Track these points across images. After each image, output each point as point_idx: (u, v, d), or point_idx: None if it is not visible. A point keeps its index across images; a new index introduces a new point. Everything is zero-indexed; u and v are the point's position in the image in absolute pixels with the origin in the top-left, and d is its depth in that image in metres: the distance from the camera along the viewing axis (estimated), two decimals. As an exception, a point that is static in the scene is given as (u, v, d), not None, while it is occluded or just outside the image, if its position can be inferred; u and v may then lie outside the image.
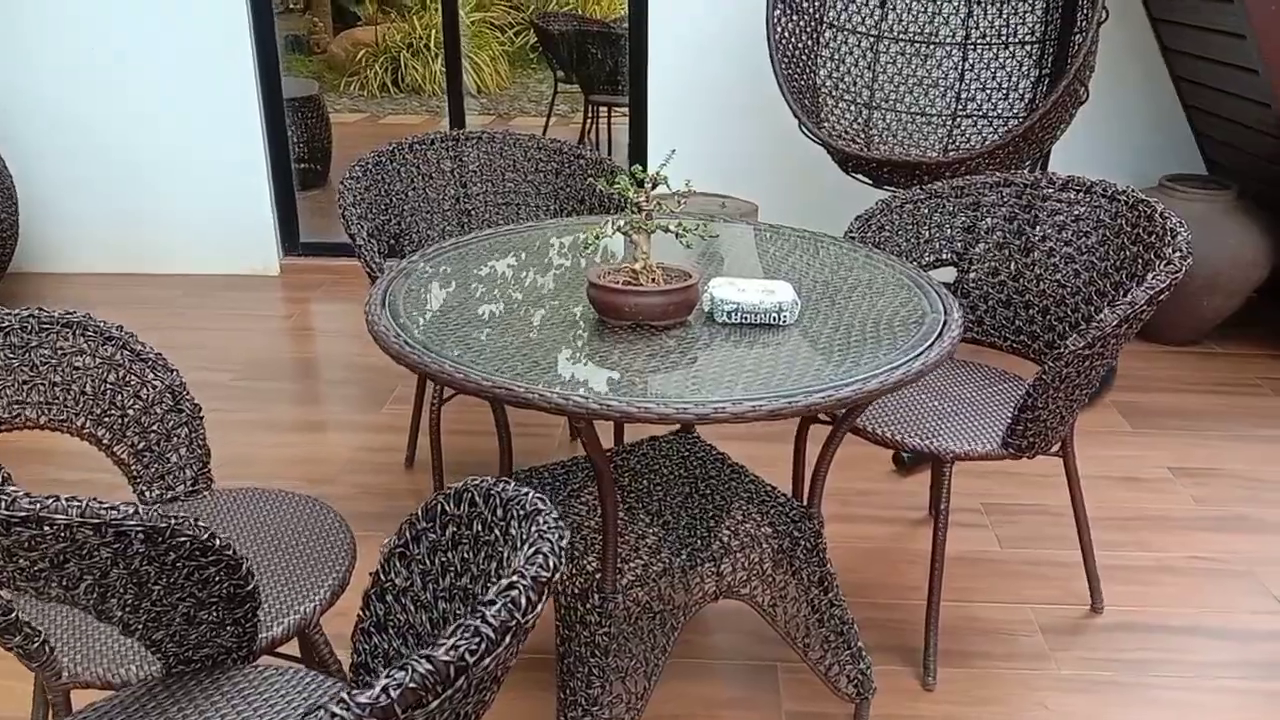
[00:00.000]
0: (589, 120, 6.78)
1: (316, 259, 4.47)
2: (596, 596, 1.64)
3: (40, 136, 4.23)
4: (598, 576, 1.66)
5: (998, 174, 2.38)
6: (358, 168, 2.51)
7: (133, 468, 1.77)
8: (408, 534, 1.28)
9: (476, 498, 1.20)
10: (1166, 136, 4.00)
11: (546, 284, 1.79)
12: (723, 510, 1.83)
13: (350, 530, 1.68)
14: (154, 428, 1.78)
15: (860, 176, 3.41)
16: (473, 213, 2.73)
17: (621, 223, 1.57)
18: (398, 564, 1.30)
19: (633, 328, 1.59)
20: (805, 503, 1.83)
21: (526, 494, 1.12)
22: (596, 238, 1.54)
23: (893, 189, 3.35)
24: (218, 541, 1.27)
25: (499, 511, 1.15)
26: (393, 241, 2.61)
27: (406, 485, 2.76)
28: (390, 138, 7.63)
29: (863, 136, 3.69)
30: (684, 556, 1.71)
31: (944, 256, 2.40)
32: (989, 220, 2.36)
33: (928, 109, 3.76)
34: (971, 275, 2.37)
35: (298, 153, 5.66)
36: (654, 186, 1.59)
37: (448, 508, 1.23)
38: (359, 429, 3.08)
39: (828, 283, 1.83)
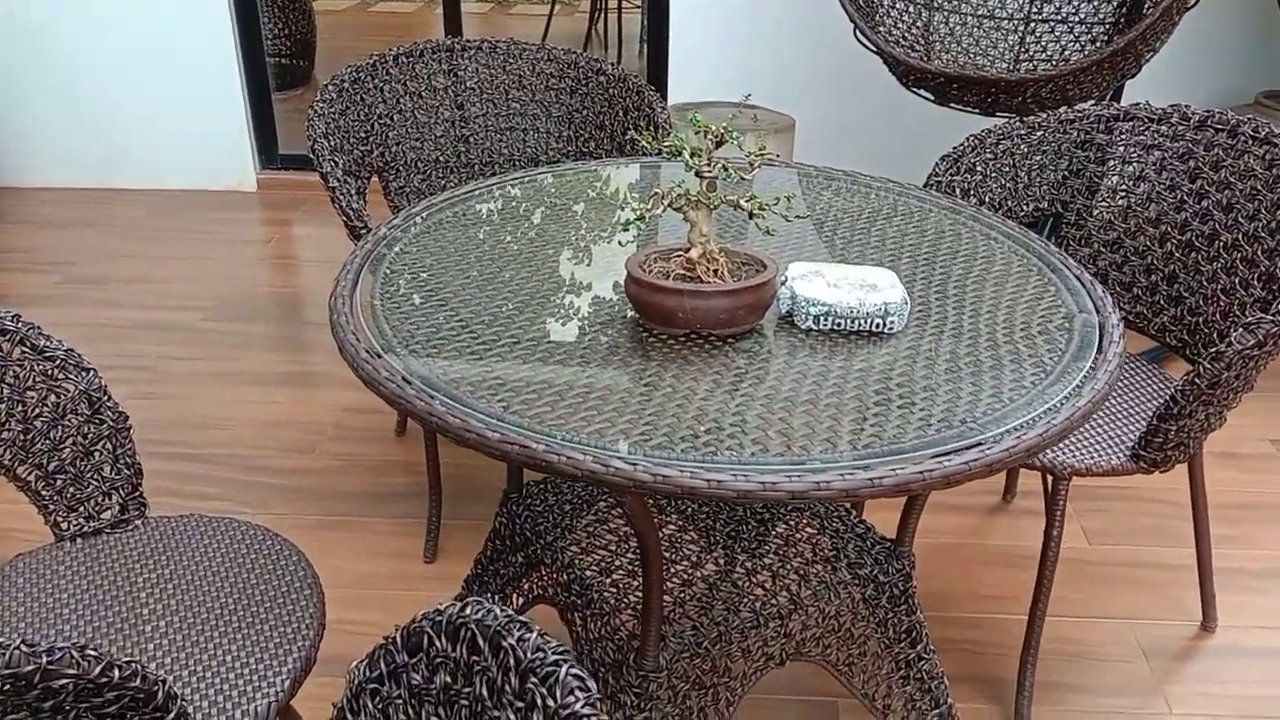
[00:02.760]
0: (598, 11, 6.20)
1: (299, 173, 3.99)
2: (633, 673, 1.28)
3: (-20, 32, 3.73)
4: (635, 644, 1.29)
5: (1116, 105, 1.94)
6: (331, 88, 2.06)
7: (41, 494, 1.39)
8: (382, 666, 0.90)
9: (480, 641, 0.82)
10: (1264, 49, 3.51)
11: (566, 266, 1.37)
12: (790, 548, 1.46)
13: (317, 581, 1.31)
14: (67, 443, 1.39)
15: (922, 92, 2.95)
16: (471, 139, 2.29)
17: (675, 196, 1.15)
18: (369, 706, 0.93)
19: (688, 337, 1.18)
20: (894, 539, 1.46)
21: (553, 660, 0.75)
22: (640, 218, 1.13)
23: (960, 107, 2.89)
24: (117, 673, 0.90)
25: (512, 679, 0.77)
26: (375, 175, 2.18)
27: (398, 457, 2.39)
28: (382, 28, 7.04)
29: (922, 43, 3.20)
30: (743, 613, 1.35)
31: (1045, 207, 1.98)
32: (1106, 164, 1.93)
33: (996, 10, 3.26)
34: (1077, 233, 1.95)
35: (276, 47, 5.13)
36: (718, 143, 1.16)
37: (438, 644, 0.85)
38: (346, 385, 2.69)
39: (930, 261, 1.42)
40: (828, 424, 1.04)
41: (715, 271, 1.18)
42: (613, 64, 2.24)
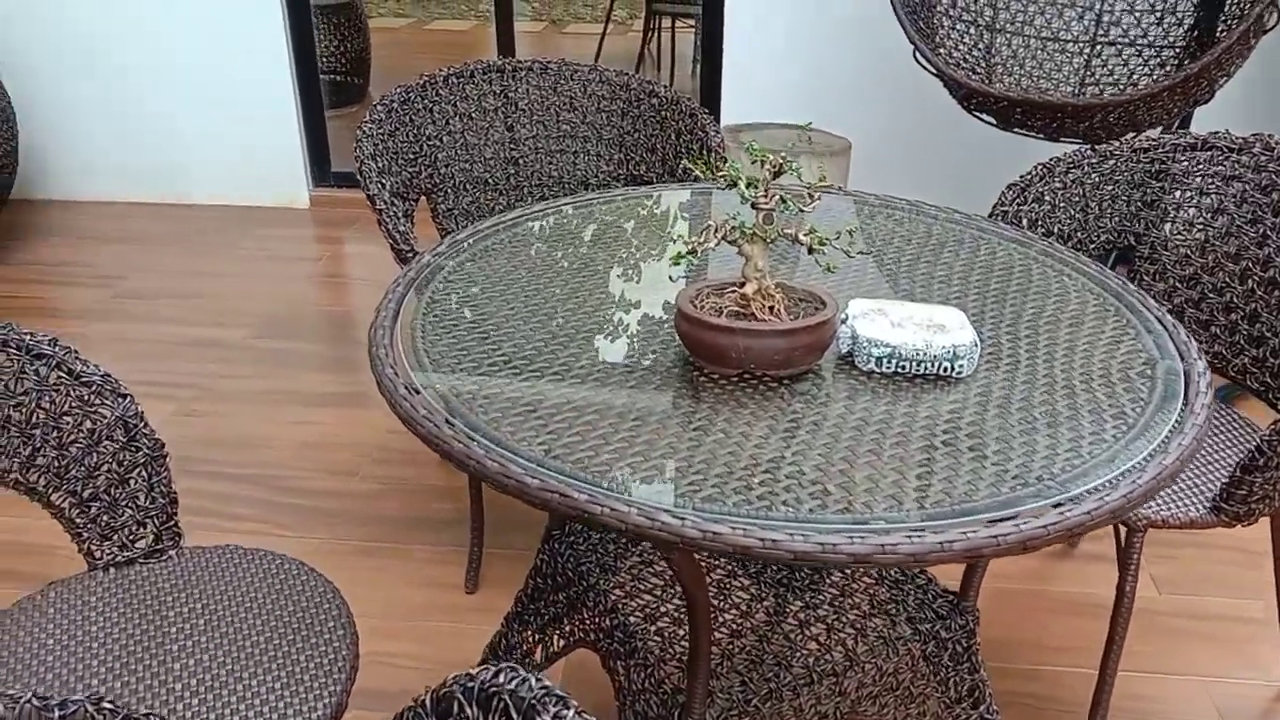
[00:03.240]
0: (650, 31, 6.18)
1: (351, 191, 3.99)
2: (678, 730, 1.21)
3: (40, 52, 3.78)
4: (680, 699, 1.23)
5: (1193, 134, 1.84)
6: (380, 108, 2.03)
7: (76, 522, 1.36)
8: (411, 730, 0.85)
9: (513, 713, 0.76)
10: (1343, 67, 3.37)
11: (614, 300, 1.32)
12: (846, 598, 1.38)
13: (351, 620, 1.27)
14: (102, 471, 1.36)
15: (985, 116, 2.86)
16: (520, 161, 2.25)
17: (729, 228, 1.09)
18: (397, 772, 0.87)
19: (741, 378, 1.12)
20: (957, 592, 1.38)
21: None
22: (692, 252, 1.07)
23: (1024, 132, 2.80)
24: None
25: (551, 758, 0.72)
26: (423, 197, 2.14)
27: (440, 482, 2.35)
28: (437, 46, 7.08)
29: (984, 66, 3.11)
30: (796, 669, 1.28)
31: (1116, 240, 1.89)
32: (1178, 194, 1.84)
33: (1060, 33, 3.17)
34: (1151, 268, 1.85)
35: (331, 65, 5.16)
36: (776, 173, 1.10)
37: (469, 711, 0.80)
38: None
39: (999, 299, 1.34)
40: (892, 477, 0.97)
41: (771, 309, 1.11)
42: (665, 86, 2.19)
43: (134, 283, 3.37)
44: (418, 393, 1.07)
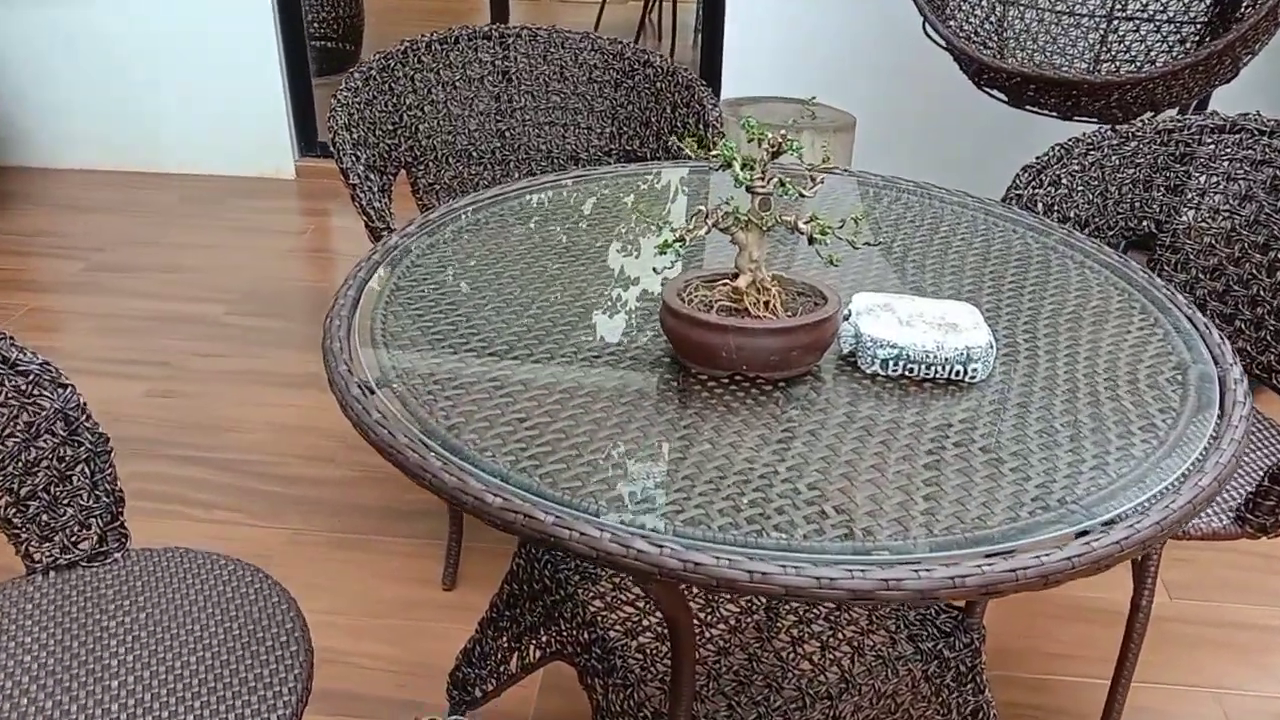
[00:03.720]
0: (651, 0, 6.03)
1: (337, 161, 3.87)
2: (658, 758, 1.11)
3: (16, 19, 3.65)
4: (661, 723, 1.13)
5: (1219, 114, 1.73)
6: (357, 76, 1.91)
7: (13, 521, 1.25)
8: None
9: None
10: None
11: (595, 290, 1.21)
12: (842, 613, 1.29)
13: (305, 632, 1.17)
14: (42, 466, 1.26)
15: (995, 92, 2.74)
16: (507, 133, 2.13)
17: (721, 215, 0.98)
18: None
19: (732, 380, 1.01)
20: (962, 608, 1.28)
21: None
22: (680, 240, 0.96)
23: (1036, 109, 2.68)
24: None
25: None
26: (404, 170, 2.03)
27: (420, 471, 2.24)
28: (434, 14, 6.91)
29: (995, 40, 2.99)
30: (787, 691, 1.18)
31: (1137, 226, 1.78)
32: (1204, 178, 1.72)
33: (1076, 6, 3.04)
34: (1173, 257, 1.74)
35: (321, 30, 5.01)
36: (775, 154, 0.99)
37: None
38: (368, 388, 2.55)
39: (1015, 293, 1.24)
40: (897, 498, 0.86)
41: (766, 304, 1.01)
42: (662, 56, 2.07)
43: (110, 255, 3.25)
44: (372, 392, 0.97)
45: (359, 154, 1.79)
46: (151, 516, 2.11)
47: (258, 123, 3.79)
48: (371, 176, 1.80)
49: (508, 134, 2.13)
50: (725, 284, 1.02)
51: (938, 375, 1.02)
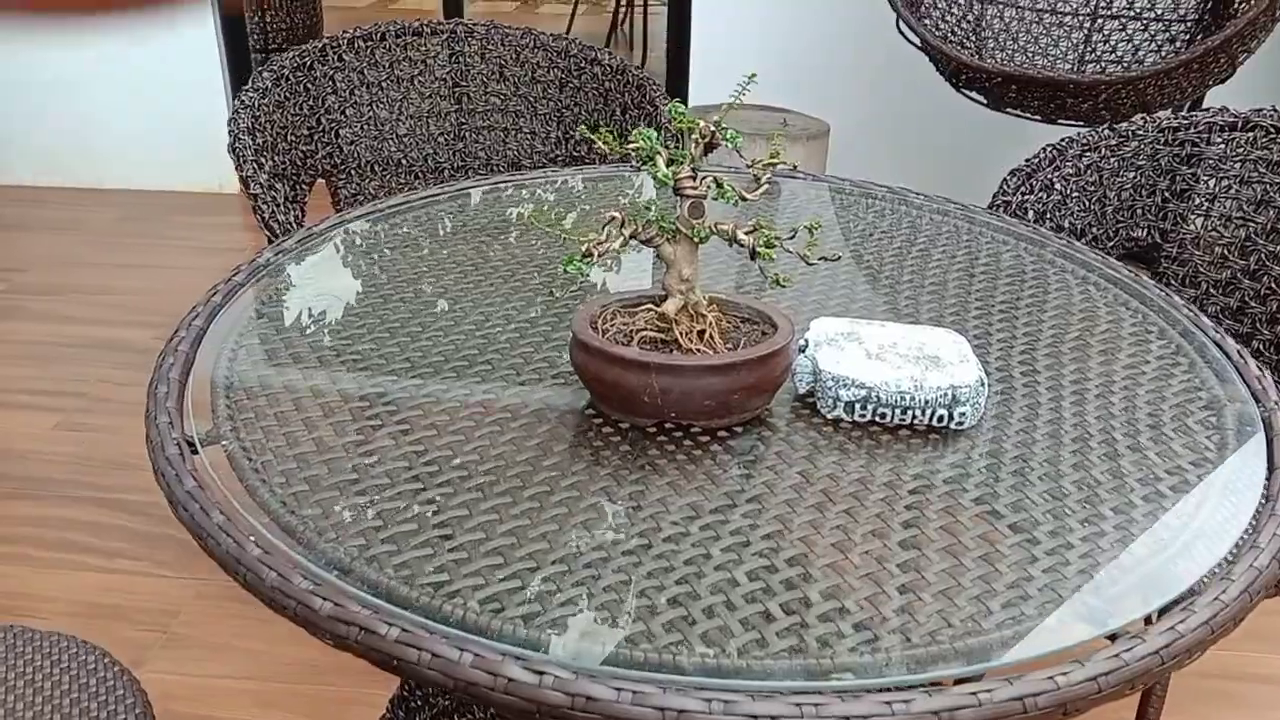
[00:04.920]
0: (623, 8, 5.86)
1: (284, 175, 3.65)
2: None
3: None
4: None
5: (1230, 111, 1.54)
6: (267, 76, 1.71)
7: None
8: None
9: None
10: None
11: (495, 323, 1.01)
12: None
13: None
14: None
15: (974, 95, 2.56)
16: (440, 139, 1.93)
17: (642, 223, 0.78)
18: None
19: (661, 431, 0.81)
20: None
21: None
22: (583, 258, 0.75)
23: (1017, 112, 2.50)
24: None
25: None
26: (321, 179, 1.82)
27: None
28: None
29: (974, 39, 2.81)
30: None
31: (1140, 236, 1.58)
32: (1214, 182, 1.54)
33: (1057, 4, 2.86)
34: (1180, 270, 1.55)
35: (276, 40, 4.80)
36: (707, 149, 0.79)
37: None
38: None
39: (1008, 317, 1.04)
40: (865, 589, 0.66)
41: (701, 333, 0.80)
42: (609, 52, 1.87)
43: (35, 276, 3.02)
44: (195, 451, 0.76)
45: (262, 160, 1.58)
46: (45, 567, 1.88)
47: (198, 136, 3.57)
48: (277, 186, 1.60)
49: (440, 139, 1.93)
50: (650, 309, 0.82)
51: (916, 421, 0.81)
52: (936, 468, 0.78)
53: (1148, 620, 0.64)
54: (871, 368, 0.82)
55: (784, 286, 0.77)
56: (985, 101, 2.55)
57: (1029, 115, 2.50)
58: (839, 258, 0.75)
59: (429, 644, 0.58)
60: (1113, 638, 0.62)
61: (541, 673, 0.57)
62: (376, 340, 0.94)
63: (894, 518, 0.73)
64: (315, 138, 1.78)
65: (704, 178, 0.78)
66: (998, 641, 0.62)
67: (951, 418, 0.81)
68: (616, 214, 0.76)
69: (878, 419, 0.82)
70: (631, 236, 0.77)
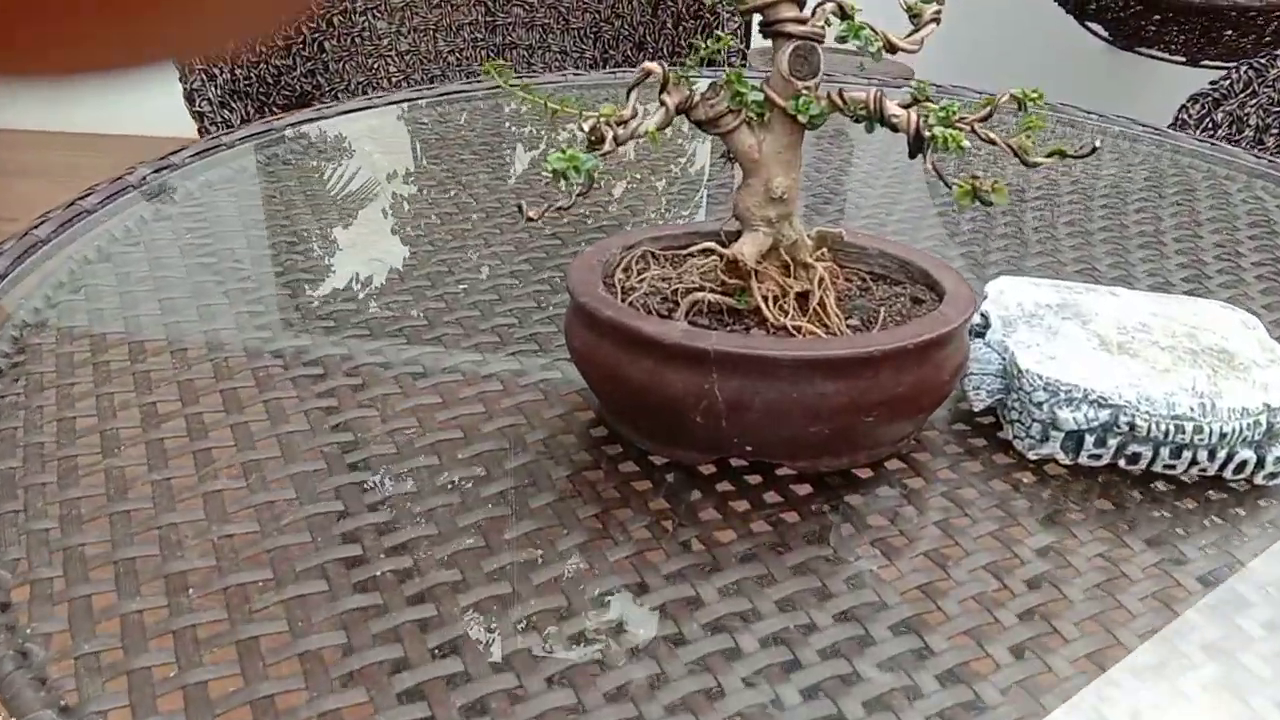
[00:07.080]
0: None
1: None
2: None
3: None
4: None
5: None
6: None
7: None
8: None
9: None
10: None
11: (458, 277, 0.65)
12: None
13: None
14: None
15: (1097, 27, 2.14)
16: (450, 58, 1.57)
17: (694, 93, 0.41)
18: None
19: (722, 475, 0.44)
20: None
21: None
22: (591, 145, 0.39)
23: (1151, 51, 2.08)
24: None
25: None
26: (300, 98, 1.47)
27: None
28: None
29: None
30: None
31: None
32: None
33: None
34: None
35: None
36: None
37: None
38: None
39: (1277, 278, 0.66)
40: None
41: (804, 299, 0.44)
42: (661, -51, 1.50)
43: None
44: None
45: (215, 72, 1.24)
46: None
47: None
48: (234, 106, 1.25)
49: (450, 59, 1.57)
50: (709, 253, 0.45)
51: (1194, 469, 0.44)
52: (1252, 568, 0.41)
53: None
54: (1114, 368, 0.44)
55: (991, 203, 0.39)
56: (1110, 38, 2.14)
57: (1166, 55, 2.08)
58: (1095, 149, 0.39)
59: None
60: None
61: None
62: (260, 300, 0.58)
63: (1176, 673, 0.36)
64: (292, 50, 1.43)
65: (819, 3, 0.41)
66: None
67: (1262, 466, 0.44)
68: (655, 67, 0.40)
69: (1125, 463, 0.45)
70: (680, 111, 0.41)
